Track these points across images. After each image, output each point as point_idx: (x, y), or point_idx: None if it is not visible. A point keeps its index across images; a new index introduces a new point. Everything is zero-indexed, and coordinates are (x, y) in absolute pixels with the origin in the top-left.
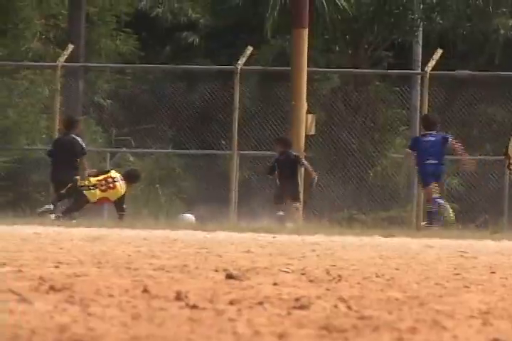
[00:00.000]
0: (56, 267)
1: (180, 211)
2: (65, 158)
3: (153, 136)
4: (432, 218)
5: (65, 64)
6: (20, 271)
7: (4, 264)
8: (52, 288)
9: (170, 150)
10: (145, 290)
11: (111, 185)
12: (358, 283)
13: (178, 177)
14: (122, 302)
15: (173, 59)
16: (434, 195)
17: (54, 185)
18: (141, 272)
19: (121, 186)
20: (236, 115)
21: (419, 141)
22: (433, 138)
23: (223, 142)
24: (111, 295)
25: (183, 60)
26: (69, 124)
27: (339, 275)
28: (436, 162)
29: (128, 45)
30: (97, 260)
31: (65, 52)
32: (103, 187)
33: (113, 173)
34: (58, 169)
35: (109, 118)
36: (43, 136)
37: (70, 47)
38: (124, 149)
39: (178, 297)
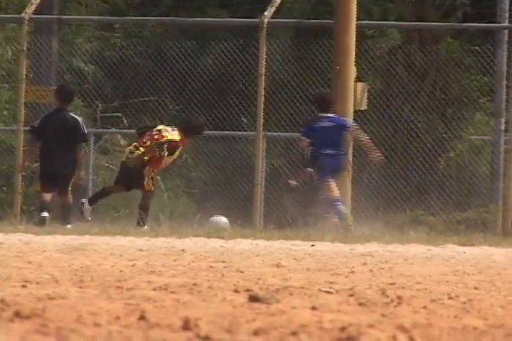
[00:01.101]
0: (23, 287)
1: (190, 211)
2: (62, 143)
3: (151, 112)
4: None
5: (34, 16)
6: None
7: None
8: (17, 315)
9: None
10: (142, 317)
11: (156, 137)
12: (424, 307)
13: (185, 166)
14: (112, 332)
15: (178, 10)
16: (336, 197)
17: (48, 177)
18: (137, 293)
19: (171, 135)
20: (261, 84)
21: (313, 128)
22: (329, 124)
23: (244, 120)
24: (97, 324)
25: (191, 12)
26: (64, 96)
27: (399, 297)
28: (333, 152)
29: None
30: (78, 277)
31: (33, 1)
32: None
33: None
34: (54, 156)
35: (93, 89)
36: (4, 113)
37: None
38: (113, 129)
39: (186, 326)
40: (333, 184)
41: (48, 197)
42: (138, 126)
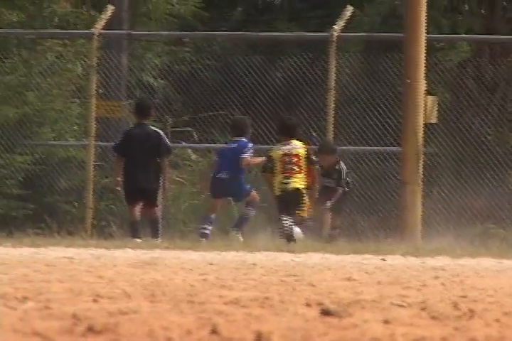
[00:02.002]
0: (95, 302)
1: (260, 224)
2: (146, 157)
3: (221, 126)
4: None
5: (104, 32)
6: (47, 307)
7: (26, 298)
8: (90, 330)
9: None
10: (214, 331)
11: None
12: (497, 321)
13: (256, 180)
14: None
15: (247, 24)
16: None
17: (134, 193)
18: (209, 307)
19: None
20: (331, 98)
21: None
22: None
23: (314, 134)
24: (169, 339)
25: (261, 26)
26: (143, 111)
27: (471, 310)
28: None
29: (187, 5)
30: (150, 292)
31: (103, 17)
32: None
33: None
34: (138, 172)
35: (163, 104)
36: (75, 128)
37: (110, 9)
38: (184, 144)
39: (259, 339)
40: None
41: (136, 214)
42: (208, 140)
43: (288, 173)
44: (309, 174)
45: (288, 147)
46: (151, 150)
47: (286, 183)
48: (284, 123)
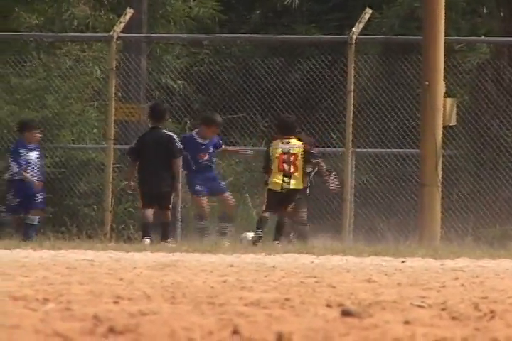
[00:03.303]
0: (115, 303)
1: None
2: (159, 160)
3: (241, 128)
4: None
5: (122, 35)
6: (68, 308)
7: (47, 300)
8: (111, 331)
9: (262, 148)
10: (235, 332)
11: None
12: None
13: None
14: None
15: (266, 27)
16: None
17: (148, 196)
18: (229, 308)
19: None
20: (350, 100)
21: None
22: None
23: (333, 136)
24: (190, 339)
25: (279, 28)
26: (157, 115)
27: (492, 311)
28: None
29: (206, 8)
30: (170, 293)
31: (122, 20)
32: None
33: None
34: (152, 175)
35: (182, 106)
36: (94, 131)
37: (129, 12)
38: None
39: (279, 340)
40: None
41: (149, 216)
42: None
43: (286, 172)
44: (305, 172)
45: (287, 146)
46: (163, 153)
47: (285, 182)
48: (282, 121)
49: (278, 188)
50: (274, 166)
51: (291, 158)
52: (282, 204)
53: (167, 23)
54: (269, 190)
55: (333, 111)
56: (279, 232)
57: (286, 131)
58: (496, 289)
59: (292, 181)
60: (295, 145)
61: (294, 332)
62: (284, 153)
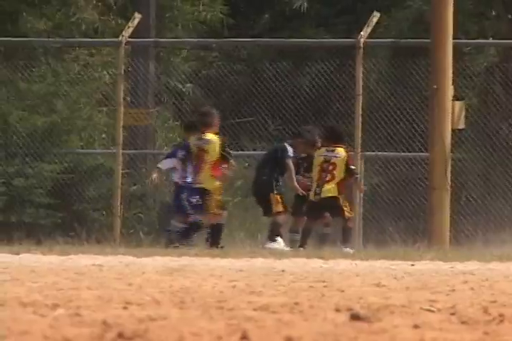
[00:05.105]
0: (124, 308)
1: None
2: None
3: (250, 132)
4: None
5: (131, 40)
6: (77, 314)
7: (57, 306)
8: (120, 336)
9: None
10: (244, 337)
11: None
12: None
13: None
14: None
15: (274, 30)
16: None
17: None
18: (238, 313)
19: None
20: (359, 104)
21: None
22: None
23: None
24: None
25: (288, 32)
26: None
27: (501, 315)
28: None
29: (214, 11)
30: (179, 298)
31: (130, 24)
32: None
33: None
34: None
35: (191, 110)
36: (103, 136)
37: (137, 17)
38: None
39: None
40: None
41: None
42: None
43: (321, 181)
44: (340, 185)
45: (329, 154)
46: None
47: (317, 192)
48: (330, 129)
49: (312, 197)
50: (314, 174)
51: (330, 167)
52: (318, 212)
53: (175, 27)
54: (308, 199)
55: (341, 114)
56: (346, 237)
57: (332, 140)
58: (505, 293)
59: (324, 189)
60: (338, 154)
61: (303, 336)
62: (325, 161)
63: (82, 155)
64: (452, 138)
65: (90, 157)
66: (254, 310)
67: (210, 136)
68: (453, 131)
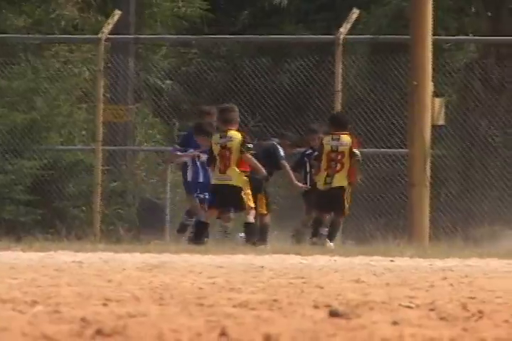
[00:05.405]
0: (104, 305)
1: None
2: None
3: None
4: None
5: (110, 36)
6: (56, 311)
7: (36, 303)
8: (99, 333)
9: None
10: (223, 334)
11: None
12: (506, 321)
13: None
14: None
15: (254, 27)
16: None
17: None
18: (218, 310)
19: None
20: (338, 100)
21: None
22: None
23: (321, 136)
24: None
25: (267, 28)
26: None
27: (480, 311)
28: None
29: (193, 7)
30: (158, 295)
31: (109, 21)
32: None
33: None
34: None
35: (170, 106)
36: (83, 133)
37: (117, 13)
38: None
39: None
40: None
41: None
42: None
43: (331, 171)
44: (350, 172)
45: (336, 143)
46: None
47: (327, 182)
48: (334, 116)
49: (322, 187)
50: (323, 163)
51: (339, 157)
52: (330, 203)
53: (154, 24)
54: (316, 189)
55: (321, 110)
56: (333, 231)
57: (337, 127)
58: (484, 289)
59: (335, 179)
60: (344, 142)
61: (282, 333)
62: (332, 150)
63: (61, 151)
64: (432, 135)
65: (70, 153)
66: (234, 306)
67: (233, 133)
68: (433, 127)
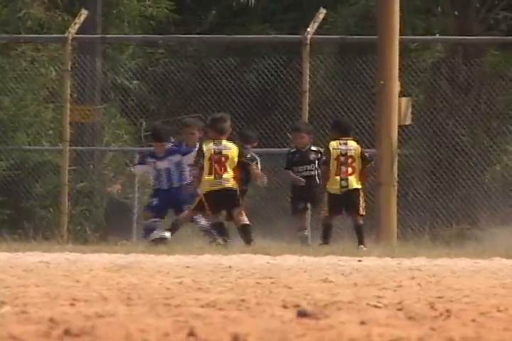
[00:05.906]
0: (71, 305)
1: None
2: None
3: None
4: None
5: (77, 36)
6: (24, 311)
7: (3, 303)
8: (67, 333)
9: None
10: (191, 334)
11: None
12: (473, 321)
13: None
14: None
15: (221, 26)
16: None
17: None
18: (185, 310)
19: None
20: (306, 100)
21: None
22: None
23: (289, 136)
24: None
25: (234, 28)
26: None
27: (447, 310)
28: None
29: (160, 7)
30: (126, 295)
31: (76, 20)
32: None
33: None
34: None
35: (137, 107)
36: (50, 133)
37: (84, 13)
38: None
39: None
40: None
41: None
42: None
43: (343, 175)
44: (362, 174)
45: (344, 147)
46: None
47: (343, 185)
48: (339, 122)
49: (338, 191)
50: (332, 168)
51: (349, 161)
52: (347, 205)
53: (121, 24)
54: (329, 194)
55: (288, 110)
56: (361, 235)
57: (343, 132)
58: (452, 288)
59: (350, 182)
60: (352, 147)
61: (250, 333)
62: (341, 155)
63: (28, 151)
64: (399, 134)
65: (37, 153)
66: (201, 306)
67: (227, 143)
68: (400, 127)
